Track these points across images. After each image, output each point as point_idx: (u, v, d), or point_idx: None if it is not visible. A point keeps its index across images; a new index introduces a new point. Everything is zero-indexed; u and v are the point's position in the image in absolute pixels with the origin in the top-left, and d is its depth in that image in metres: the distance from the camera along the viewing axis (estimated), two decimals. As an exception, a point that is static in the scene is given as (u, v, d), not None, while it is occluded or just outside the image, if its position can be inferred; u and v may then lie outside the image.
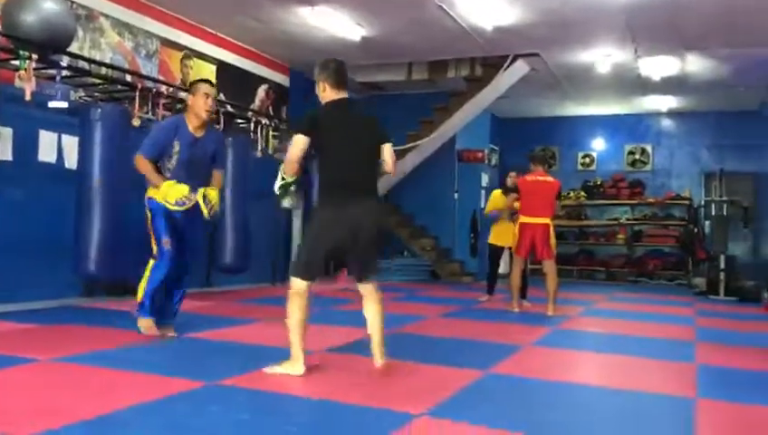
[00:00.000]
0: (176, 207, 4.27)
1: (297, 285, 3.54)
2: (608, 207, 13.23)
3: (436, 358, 4.05)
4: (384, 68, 10.18)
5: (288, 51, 9.22)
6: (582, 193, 13.22)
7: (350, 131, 3.60)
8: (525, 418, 2.92)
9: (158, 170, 4.38)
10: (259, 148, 7.78)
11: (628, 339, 5.54)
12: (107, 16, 6.96)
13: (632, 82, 10.47)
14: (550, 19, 7.72)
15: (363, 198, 3.57)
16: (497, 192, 8.01)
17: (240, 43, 8.95)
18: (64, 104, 5.73)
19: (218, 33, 8.55)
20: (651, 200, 12.80)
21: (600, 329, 6.08)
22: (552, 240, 6.77)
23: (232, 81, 8.76)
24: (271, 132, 8.02)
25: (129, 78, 6.58)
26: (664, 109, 12.58)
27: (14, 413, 2.71)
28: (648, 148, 13.24)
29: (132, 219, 6.33)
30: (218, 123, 7.47)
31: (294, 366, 3.51)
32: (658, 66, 9.52)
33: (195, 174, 4.39)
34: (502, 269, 7.87)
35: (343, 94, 3.64)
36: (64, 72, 5.68)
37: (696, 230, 11.40)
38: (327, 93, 3.62)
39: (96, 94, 6.43)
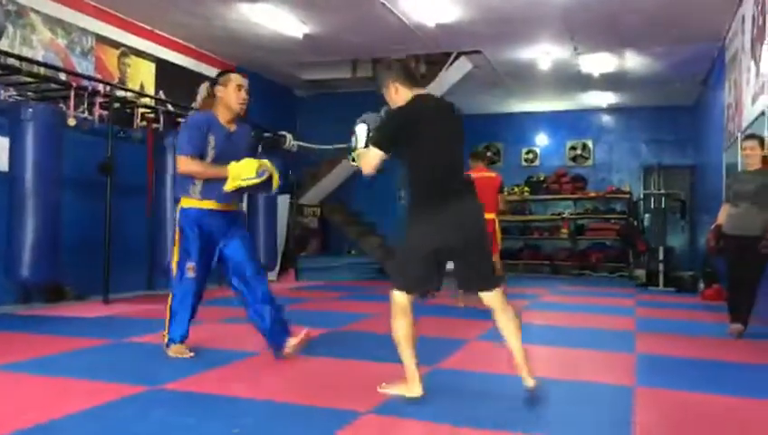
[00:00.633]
0: (255, 180, 3.87)
1: (397, 298, 3.25)
2: (551, 202, 13.45)
3: (383, 355, 4.04)
4: (329, 65, 10.16)
5: (231, 48, 9.09)
6: (526, 188, 13.43)
7: (441, 125, 3.25)
8: (470, 412, 2.94)
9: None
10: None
11: (572, 331, 5.66)
12: (38, 12, 6.71)
13: (573, 78, 10.69)
14: (491, 17, 7.81)
15: (464, 196, 3.20)
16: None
17: (179, 40, 8.77)
18: (-7, 104, 5.54)
19: (156, 30, 8.37)
20: (593, 195, 13.07)
21: (545, 322, 6.18)
22: (498, 235, 6.84)
23: (172, 79, 8.58)
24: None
25: (63, 76, 6.37)
26: (604, 105, 12.88)
27: (-59, 427, 2.59)
28: (589, 143, 13.53)
29: (67, 222, 6.17)
30: (157, 122, 7.31)
31: (410, 387, 3.13)
32: (598, 63, 9.75)
33: None
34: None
35: (420, 89, 3.33)
36: (-7, 70, 5.49)
37: (635, 223, 11.70)
38: (401, 94, 3.27)
39: (29, 93, 6.21)
